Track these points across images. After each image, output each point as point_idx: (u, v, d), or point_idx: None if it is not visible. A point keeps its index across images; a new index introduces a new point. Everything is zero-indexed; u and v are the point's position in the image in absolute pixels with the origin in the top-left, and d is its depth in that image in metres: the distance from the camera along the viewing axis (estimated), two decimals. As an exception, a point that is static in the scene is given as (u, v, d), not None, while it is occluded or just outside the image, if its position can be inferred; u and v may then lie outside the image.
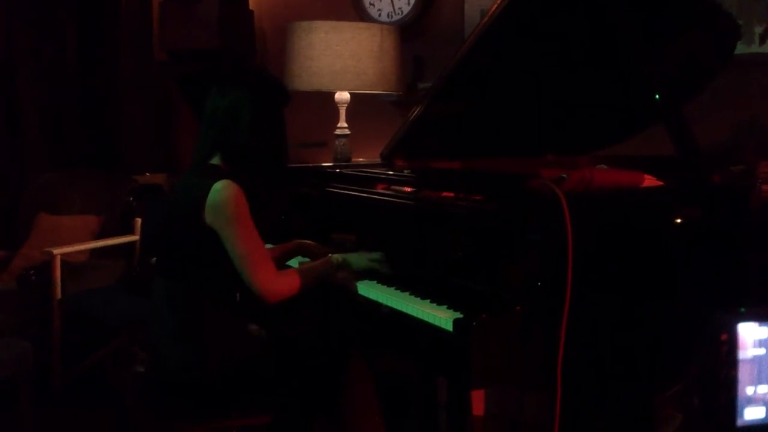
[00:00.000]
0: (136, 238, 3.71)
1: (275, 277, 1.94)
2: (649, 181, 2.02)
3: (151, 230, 3.60)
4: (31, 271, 3.42)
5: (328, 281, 2.03)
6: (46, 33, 4.30)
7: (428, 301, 1.80)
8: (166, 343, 2.01)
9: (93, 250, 3.70)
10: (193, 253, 1.95)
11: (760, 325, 1.76)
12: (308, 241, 2.28)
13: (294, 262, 2.31)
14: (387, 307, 1.88)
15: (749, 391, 1.77)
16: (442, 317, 1.68)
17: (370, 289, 1.97)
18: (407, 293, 1.88)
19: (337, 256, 2.05)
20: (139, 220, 3.73)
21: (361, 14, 3.84)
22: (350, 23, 3.22)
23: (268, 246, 2.31)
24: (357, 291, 2.00)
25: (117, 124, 4.45)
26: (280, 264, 2.22)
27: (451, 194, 2.10)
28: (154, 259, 2.27)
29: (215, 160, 2.00)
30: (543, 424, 1.70)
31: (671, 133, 1.99)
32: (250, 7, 4.20)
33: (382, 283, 1.99)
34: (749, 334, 1.76)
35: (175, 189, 2.06)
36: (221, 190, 1.88)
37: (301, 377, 2.06)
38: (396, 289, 1.92)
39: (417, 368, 2.52)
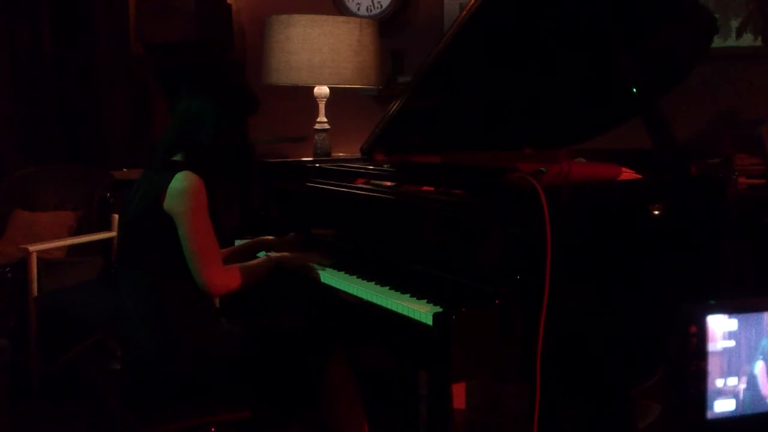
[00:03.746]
0: (113, 234, 3.66)
1: (221, 272, 2.00)
2: (627, 174, 2.03)
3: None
4: (7, 269, 3.38)
5: (269, 276, 2.12)
6: (21, 26, 4.23)
7: (408, 295, 1.80)
8: (135, 336, 2.02)
9: (70, 247, 3.66)
10: (152, 240, 1.98)
11: (729, 317, 1.76)
12: (268, 237, 2.34)
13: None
14: (367, 301, 1.88)
15: (719, 383, 1.77)
16: (421, 311, 1.68)
17: (350, 284, 1.97)
18: (387, 288, 1.88)
19: (274, 256, 2.15)
20: (116, 216, 3.69)
21: (339, 8, 3.82)
22: (329, 17, 3.21)
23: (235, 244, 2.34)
24: (319, 279, 2.07)
25: (94, 118, 4.40)
26: (243, 259, 2.25)
27: (431, 188, 2.10)
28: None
29: (177, 157, 2.04)
30: (523, 416, 1.71)
31: (649, 126, 2.00)
32: (228, 1, 4.17)
33: (362, 278, 1.99)
34: (719, 326, 1.76)
35: (138, 181, 2.09)
36: (183, 179, 1.94)
37: (281, 372, 2.06)
38: (376, 283, 1.92)
39: (398, 362, 2.52)
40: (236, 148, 2.09)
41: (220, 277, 1.98)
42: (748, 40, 3.08)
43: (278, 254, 2.18)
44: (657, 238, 1.86)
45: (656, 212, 1.88)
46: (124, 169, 4.09)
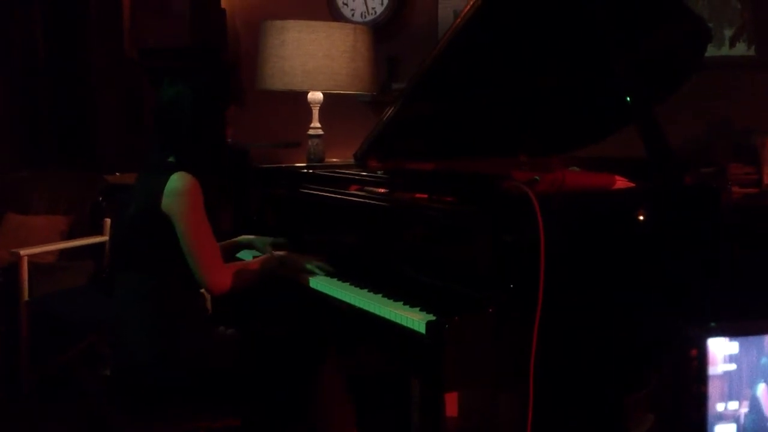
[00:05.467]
0: (105, 238, 3.66)
1: (222, 270, 2.02)
2: (621, 182, 2.03)
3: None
4: (-2, 273, 3.37)
5: (270, 276, 2.12)
6: (15, 30, 4.23)
7: (401, 303, 1.79)
8: (130, 340, 2.00)
9: (62, 251, 3.65)
10: (151, 242, 1.98)
11: (730, 340, 1.73)
12: (252, 236, 2.35)
13: (247, 255, 2.35)
14: (360, 308, 1.87)
15: (719, 407, 1.74)
16: (414, 319, 1.67)
17: (342, 291, 1.96)
18: (380, 295, 1.87)
19: (278, 254, 2.17)
20: (108, 221, 3.68)
21: (334, 14, 3.82)
22: (323, 23, 3.21)
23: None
24: (309, 284, 2.06)
25: (87, 122, 4.39)
26: (227, 258, 2.26)
27: (425, 195, 2.09)
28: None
29: (171, 159, 2.05)
30: (517, 425, 1.70)
31: (643, 135, 2.00)
32: (223, 6, 4.16)
33: (355, 285, 1.98)
34: (719, 349, 1.73)
35: (136, 184, 2.10)
36: (179, 179, 1.96)
37: (273, 379, 2.05)
38: (369, 290, 1.91)
39: (391, 369, 2.51)
40: (216, 140, 2.10)
41: (221, 275, 2.00)
42: (741, 49, 3.09)
43: (281, 253, 2.18)
44: (650, 247, 1.85)
45: (649, 221, 1.88)
46: (117, 174, 4.08)
